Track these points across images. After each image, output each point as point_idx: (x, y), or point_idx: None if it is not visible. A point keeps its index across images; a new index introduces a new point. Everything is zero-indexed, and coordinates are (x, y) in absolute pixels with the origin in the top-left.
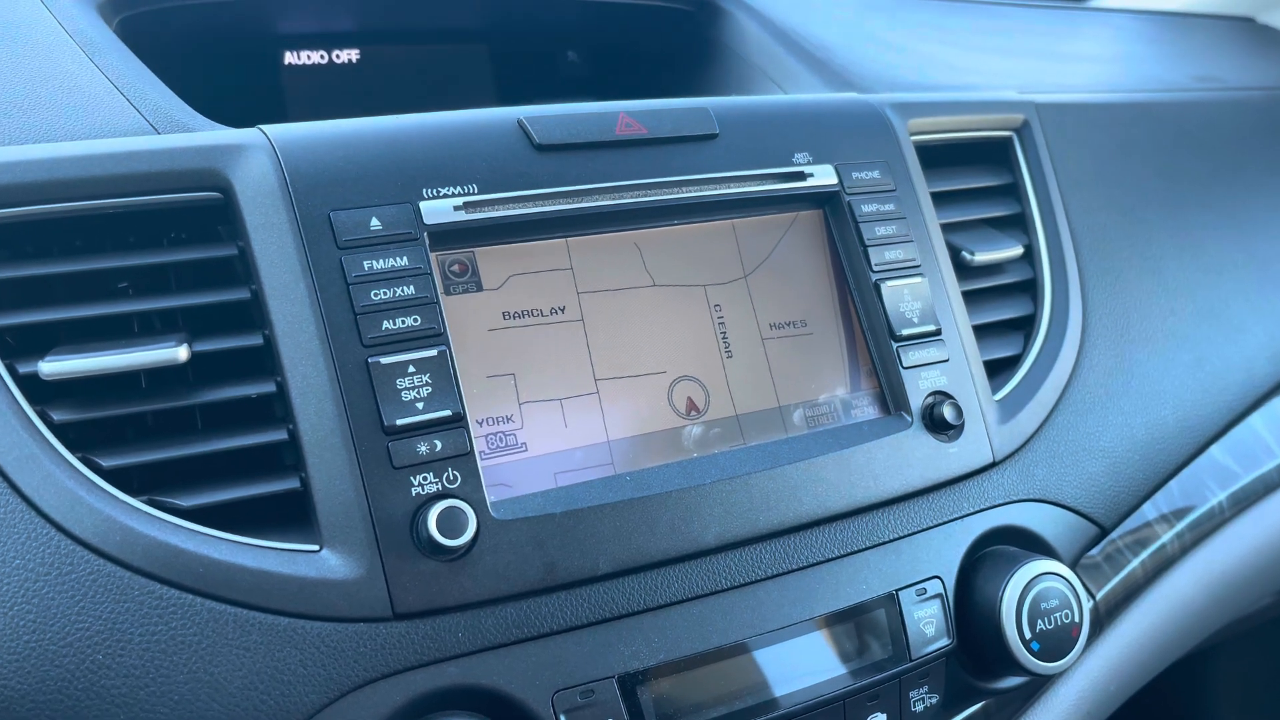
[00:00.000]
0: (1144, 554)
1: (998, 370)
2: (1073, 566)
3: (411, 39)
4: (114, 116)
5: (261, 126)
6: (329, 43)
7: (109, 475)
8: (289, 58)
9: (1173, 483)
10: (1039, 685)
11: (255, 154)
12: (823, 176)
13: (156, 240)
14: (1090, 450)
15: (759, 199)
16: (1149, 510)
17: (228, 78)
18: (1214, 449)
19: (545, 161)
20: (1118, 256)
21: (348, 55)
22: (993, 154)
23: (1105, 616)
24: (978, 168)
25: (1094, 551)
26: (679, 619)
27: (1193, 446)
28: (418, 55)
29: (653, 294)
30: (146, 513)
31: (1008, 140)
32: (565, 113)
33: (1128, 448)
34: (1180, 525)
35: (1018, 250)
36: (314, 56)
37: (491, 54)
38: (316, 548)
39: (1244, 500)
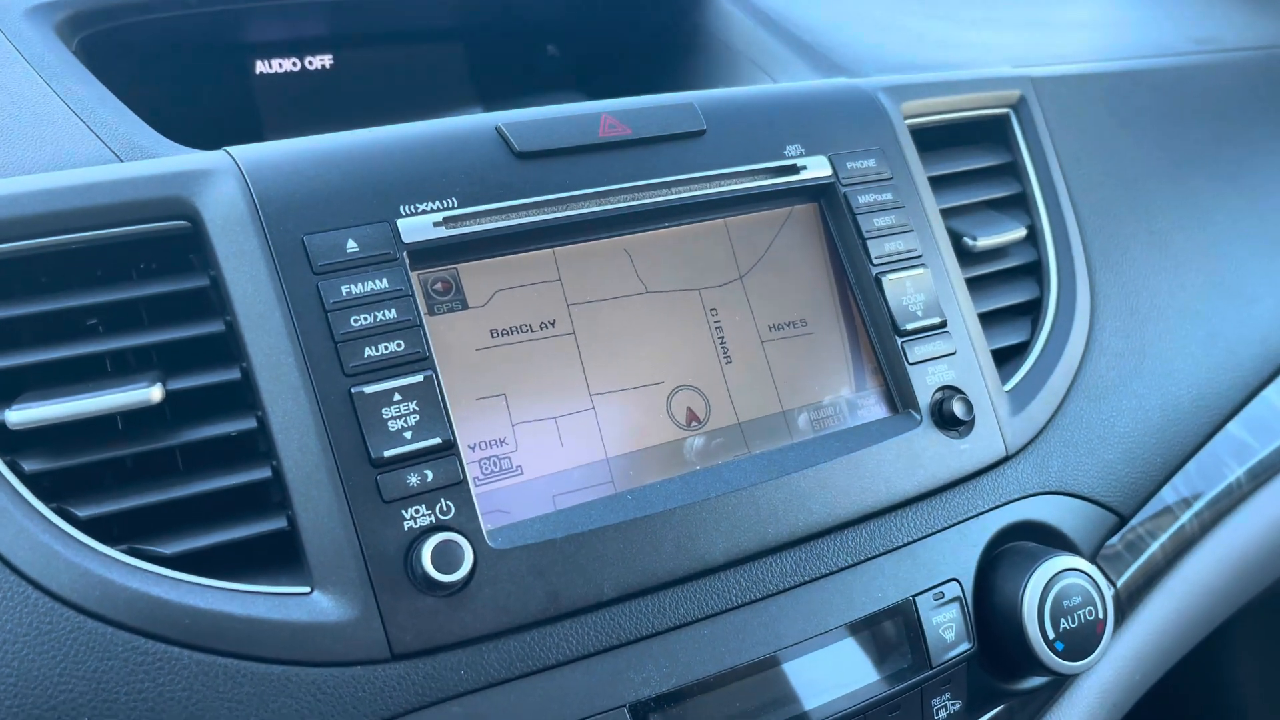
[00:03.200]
0: (1163, 537)
1: (1005, 359)
2: (1093, 559)
3: (386, 41)
4: (74, 145)
5: (228, 149)
6: (301, 49)
7: (86, 525)
8: (260, 67)
9: (1190, 463)
10: (1063, 682)
11: (222, 178)
12: (816, 168)
13: (125, 274)
14: (1105, 437)
15: (751, 195)
16: (1167, 493)
17: (198, 93)
18: (1231, 425)
19: (527, 169)
20: (1123, 232)
21: (321, 61)
22: (989, 133)
23: (1127, 604)
24: (975, 148)
25: (1113, 540)
26: (690, 641)
27: (1209, 425)
28: (393, 57)
29: (646, 301)
30: (126, 563)
31: (1005, 118)
32: (545, 117)
33: (1144, 431)
34: (1199, 505)
35: (1020, 232)
36: (286, 64)
37: (469, 52)
38: (307, 590)
39: (1262, 474)
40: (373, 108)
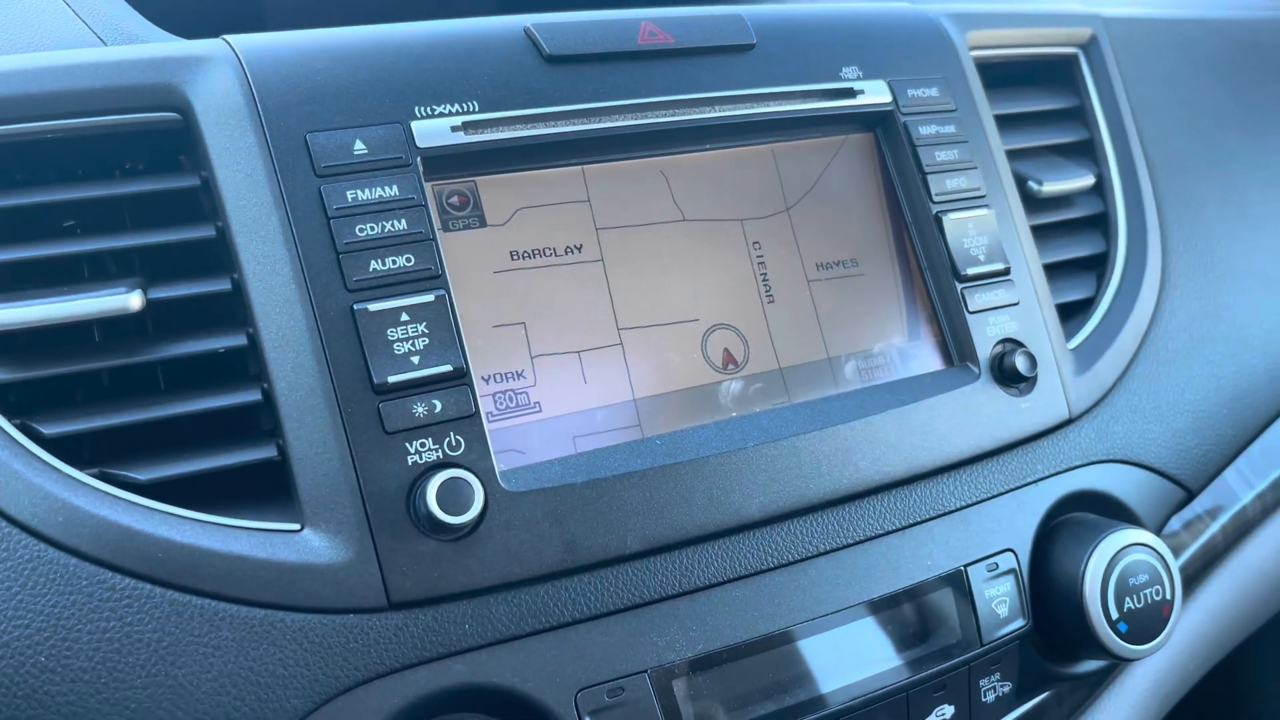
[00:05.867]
0: (1224, 517)
1: (1068, 316)
2: (1157, 534)
3: None
4: (54, 27)
5: (226, 36)
6: None
7: (52, 445)
8: None
9: (1256, 441)
10: (1116, 667)
11: (218, 67)
12: (875, 94)
13: (108, 170)
14: (1174, 404)
15: (802, 119)
16: (1230, 471)
17: None
18: None
19: (557, 75)
20: (1197, 187)
21: None
22: (1055, 74)
23: (1184, 588)
24: (1040, 88)
25: (1176, 516)
26: (719, 603)
27: None
28: None
29: (682, 230)
30: (95, 488)
31: (1073, 58)
32: (580, 20)
33: (1215, 401)
34: (1261, 485)
35: (1088, 180)
36: None
37: None
38: (297, 527)
39: None
40: (389, 17)
